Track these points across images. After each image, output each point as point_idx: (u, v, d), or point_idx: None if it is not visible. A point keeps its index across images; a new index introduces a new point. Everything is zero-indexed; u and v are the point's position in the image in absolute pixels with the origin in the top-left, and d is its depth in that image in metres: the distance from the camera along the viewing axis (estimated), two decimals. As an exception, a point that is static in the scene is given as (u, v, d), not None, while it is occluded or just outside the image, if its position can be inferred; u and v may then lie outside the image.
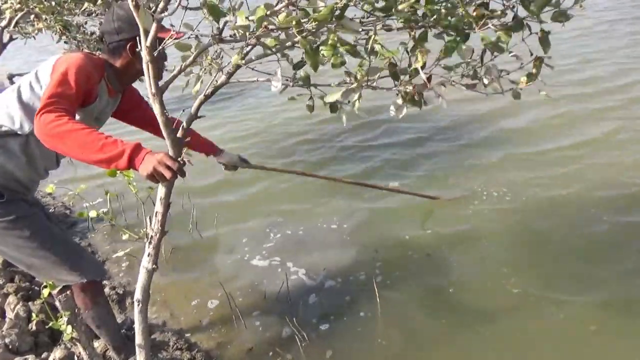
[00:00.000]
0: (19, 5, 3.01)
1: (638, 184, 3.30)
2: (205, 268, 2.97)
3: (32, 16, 3.36)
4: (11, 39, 3.57)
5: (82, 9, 3.37)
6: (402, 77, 1.41)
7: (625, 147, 3.88)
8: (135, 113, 2.12)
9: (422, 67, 1.34)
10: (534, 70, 1.40)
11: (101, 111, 1.89)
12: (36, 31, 3.24)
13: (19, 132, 1.70)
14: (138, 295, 1.56)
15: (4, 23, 3.38)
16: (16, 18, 3.28)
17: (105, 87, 1.83)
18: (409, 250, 2.86)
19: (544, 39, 1.35)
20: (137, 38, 1.71)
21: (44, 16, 3.23)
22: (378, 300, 2.44)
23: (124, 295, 2.78)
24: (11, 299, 2.33)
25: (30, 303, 2.34)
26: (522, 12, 1.31)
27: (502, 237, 2.90)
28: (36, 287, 2.67)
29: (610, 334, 2.13)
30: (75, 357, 2.01)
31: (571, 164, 3.70)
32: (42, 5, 3.12)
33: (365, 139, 4.68)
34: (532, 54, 1.40)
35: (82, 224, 3.74)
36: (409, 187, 3.45)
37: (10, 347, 2.06)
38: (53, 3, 3.08)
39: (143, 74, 1.85)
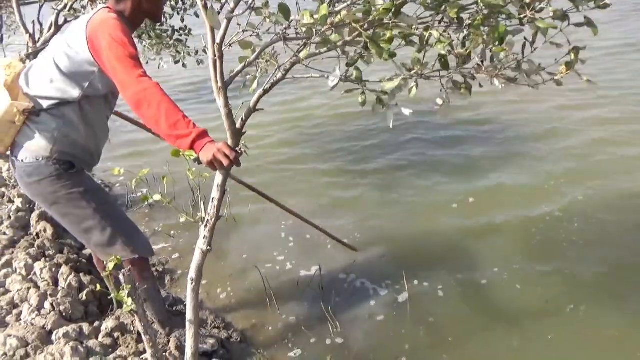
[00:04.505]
0: (79, -9, 3.15)
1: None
2: (240, 251, 3.10)
3: (87, 0, 3.50)
4: (66, 21, 3.74)
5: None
6: (452, 66, 1.49)
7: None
8: None
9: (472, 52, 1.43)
10: (572, 58, 1.47)
11: None
12: (92, 15, 3.39)
13: (70, 100, 1.76)
14: (192, 274, 1.67)
15: (60, 6, 3.54)
16: (73, 2, 3.43)
17: None
18: (441, 246, 2.93)
19: (590, 23, 1.42)
20: None
21: (98, 1, 3.37)
22: (407, 293, 2.52)
23: (163, 273, 2.93)
24: (64, 269, 2.49)
25: (81, 274, 2.50)
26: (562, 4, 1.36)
27: (534, 240, 2.93)
28: (84, 260, 2.83)
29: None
30: (131, 327, 2.15)
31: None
32: (97, -9, 3.25)
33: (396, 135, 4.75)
34: (570, 44, 1.47)
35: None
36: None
37: (64, 314, 2.21)
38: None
39: (149, 15, 1.88)
